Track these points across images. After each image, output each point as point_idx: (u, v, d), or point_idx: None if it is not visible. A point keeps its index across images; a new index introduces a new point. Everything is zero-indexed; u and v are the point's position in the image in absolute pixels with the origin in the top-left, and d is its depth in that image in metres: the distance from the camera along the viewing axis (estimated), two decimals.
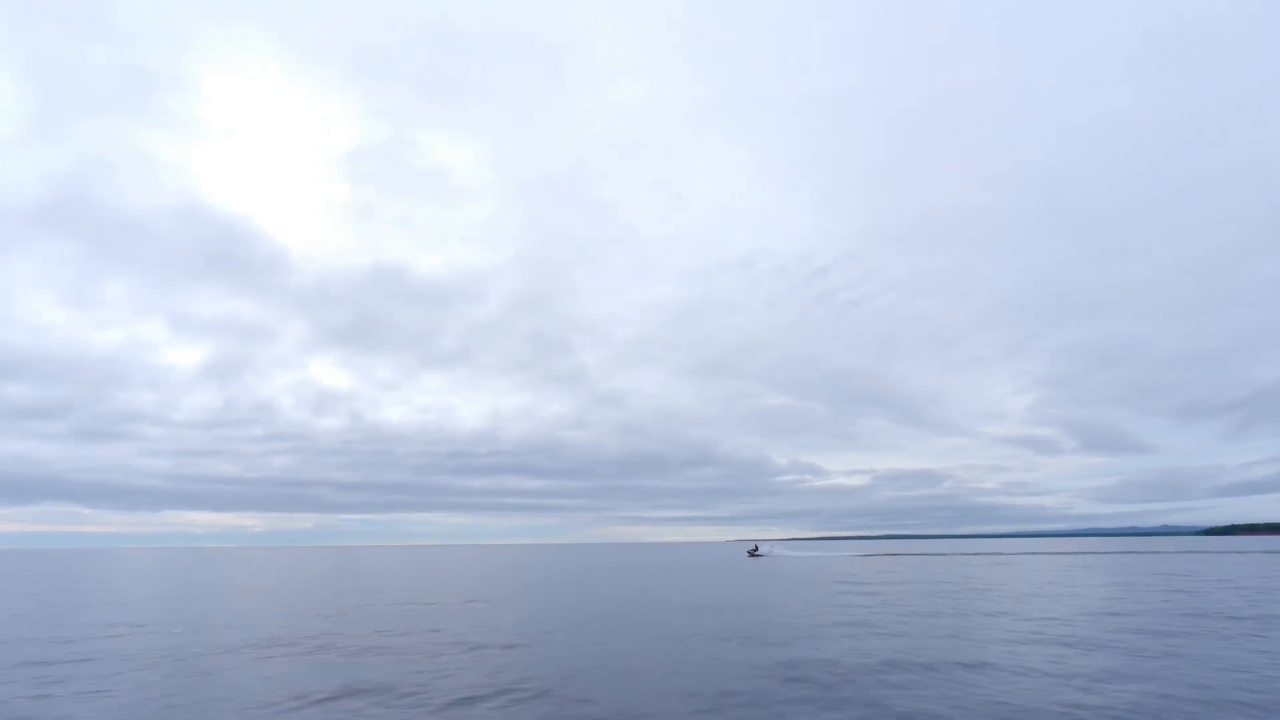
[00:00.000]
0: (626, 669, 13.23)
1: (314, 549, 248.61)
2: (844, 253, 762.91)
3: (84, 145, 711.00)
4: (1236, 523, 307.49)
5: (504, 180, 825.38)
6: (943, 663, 13.50)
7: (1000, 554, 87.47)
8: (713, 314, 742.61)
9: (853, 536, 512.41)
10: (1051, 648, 15.25)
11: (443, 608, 25.61)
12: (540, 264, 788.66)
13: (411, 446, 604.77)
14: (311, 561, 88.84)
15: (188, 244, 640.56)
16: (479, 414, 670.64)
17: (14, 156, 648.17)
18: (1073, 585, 33.77)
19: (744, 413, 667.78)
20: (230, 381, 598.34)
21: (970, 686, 11.44)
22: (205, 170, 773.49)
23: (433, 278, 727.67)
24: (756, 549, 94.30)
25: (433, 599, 29.38)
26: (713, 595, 30.43)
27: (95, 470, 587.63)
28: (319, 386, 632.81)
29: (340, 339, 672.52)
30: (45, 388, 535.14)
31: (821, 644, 16.01)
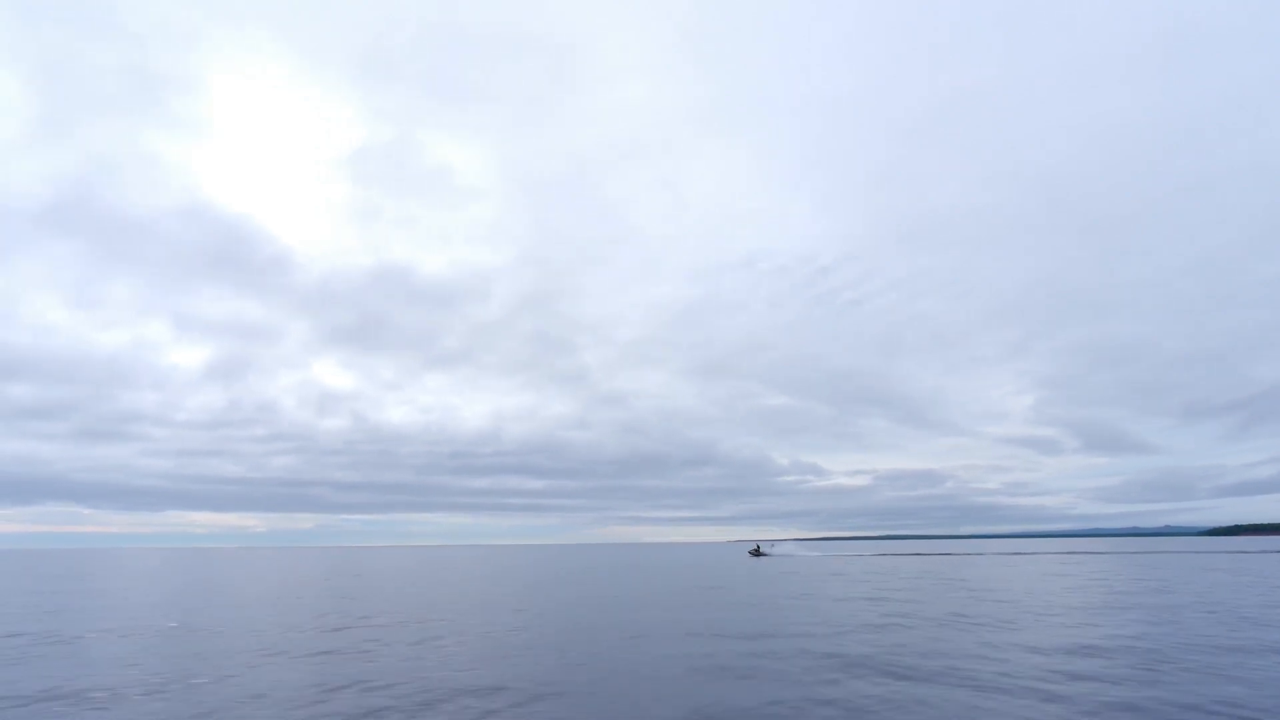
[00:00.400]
0: (950, 651, 13.76)
1: (320, 549, 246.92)
2: (845, 253, 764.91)
3: (89, 146, 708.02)
4: (1240, 523, 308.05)
5: (508, 181, 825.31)
6: (1209, 647, 14.05)
7: (1037, 553, 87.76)
8: (715, 314, 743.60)
9: (854, 537, 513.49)
10: None
11: (603, 605, 26.10)
12: (543, 264, 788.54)
13: (413, 447, 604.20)
14: (343, 561, 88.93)
15: (192, 244, 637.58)
16: (481, 414, 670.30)
17: (19, 157, 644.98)
18: (1181, 582, 34.49)
19: (745, 413, 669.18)
20: (233, 382, 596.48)
21: None
22: (209, 171, 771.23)
23: (436, 278, 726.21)
24: (758, 549, 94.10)
25: (570, 598, 29.88)
26: (836, 588, 30.98)
27: (97, 470, 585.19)
28: (322, 387, 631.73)
29: (343, 339, 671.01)
30: (49, 388, 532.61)
31: (1070, 631, 16.60)
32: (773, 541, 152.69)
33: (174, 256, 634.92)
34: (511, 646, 15.11)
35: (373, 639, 16.37)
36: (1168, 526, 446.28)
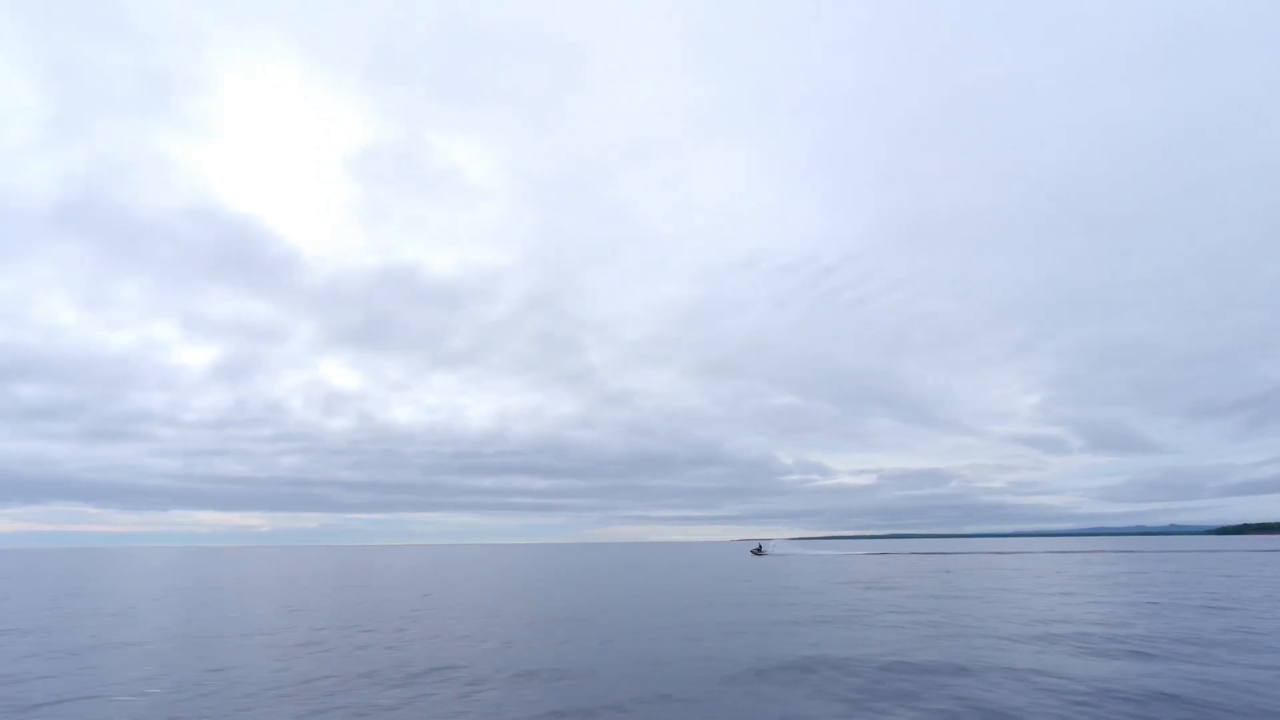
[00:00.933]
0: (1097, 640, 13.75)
1: (325, 548, 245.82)
2: (849, 252, 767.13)
3: (99, 147, 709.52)
4: (1248, 522, 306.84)
5: (514, 181, 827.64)
6: None
7: (1076, 551, 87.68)
8: (720, 313, 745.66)
9: (859, 536, 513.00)
10: None
11: (746, 602, 26.10)
12: (549, 264, 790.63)
13: (419, 446, 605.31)
14: (370, 560, 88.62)
15: (201, 245, 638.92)
16: (487, 414, 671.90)
17: (30, 158, 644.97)
18: (1256, 577, 34.50)
19: (750, 412, 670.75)
20: (241, 382, 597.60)
21: None
22: (219, 171, 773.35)
23: (443, 278, 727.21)
24: (760, 548, 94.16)
25: (684, 591, 29.90)
26: (966, 585, 31.04)
27: (104, 470, 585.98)
28: (329, 387, 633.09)
29: (350, 339, 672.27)
30: (58, 388, 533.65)
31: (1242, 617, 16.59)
32: (774, 541, 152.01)
33: (182, 257, 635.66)
34: (775, 631, 15.16)
35: (587, 636, 16.33)
36: (1173, 525, 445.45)
